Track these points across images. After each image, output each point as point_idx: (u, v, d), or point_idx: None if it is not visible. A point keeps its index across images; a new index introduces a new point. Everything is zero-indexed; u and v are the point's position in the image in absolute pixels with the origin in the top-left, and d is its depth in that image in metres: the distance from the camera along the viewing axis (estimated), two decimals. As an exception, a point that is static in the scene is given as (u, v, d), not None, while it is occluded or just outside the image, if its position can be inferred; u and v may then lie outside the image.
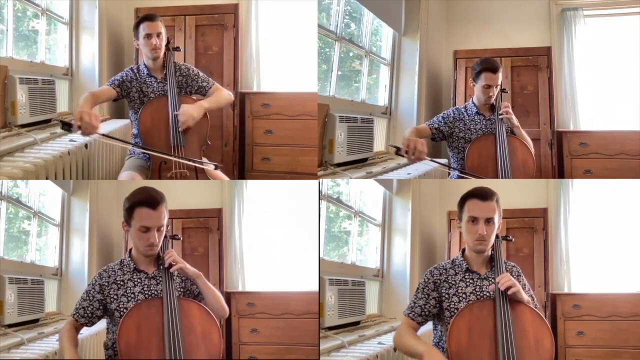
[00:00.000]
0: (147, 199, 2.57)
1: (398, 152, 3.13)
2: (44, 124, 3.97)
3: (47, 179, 3.49)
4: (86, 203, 4.50)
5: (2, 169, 3.30)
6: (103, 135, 3.14)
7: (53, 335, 4.00)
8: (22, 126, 3.77)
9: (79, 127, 2.94)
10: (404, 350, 2.62)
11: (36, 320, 4.14)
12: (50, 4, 4.23)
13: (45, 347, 3.77)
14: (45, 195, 4.47)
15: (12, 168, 3.30)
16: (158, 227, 2.59)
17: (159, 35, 3.32)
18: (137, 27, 3.34)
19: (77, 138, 3.85)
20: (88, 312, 2.62)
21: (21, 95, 3.76)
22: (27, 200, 4.32)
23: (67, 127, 2.95)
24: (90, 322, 2.64)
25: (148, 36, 3.30)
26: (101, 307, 2.63)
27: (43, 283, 4.30)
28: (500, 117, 3.39)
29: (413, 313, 2.66)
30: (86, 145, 3.82)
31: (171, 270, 2.61)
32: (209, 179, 3.37)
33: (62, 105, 4.24)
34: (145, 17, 3.34)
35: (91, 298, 2.62)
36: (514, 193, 4.55)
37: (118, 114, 4.46)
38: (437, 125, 3.41)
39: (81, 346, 3.95)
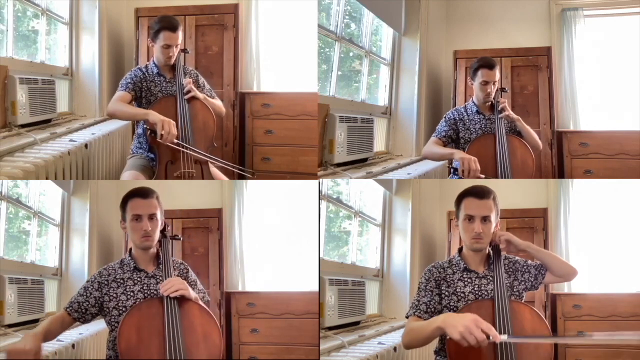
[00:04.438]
0: (137, 191, 2.70)
1: (455, 172, 3.27)
2: (44, 124, 3.97)
3: (47, 179, 3.49)
4: (86, 203, 4.50)
5: (2, 169, 3.30)
6: (178, 143, 3.19)
7: (53, 335, 3.99)
8: (22, 126, 3.77)
9: (161, 135, 3.10)
10: (421, 338, 2.45)
11: (36, 321, 4.14)
12: (50, 4, 4.23)
13: (45, 347, 3.75)
14: (45, 195, 4.47)
15: (12, 168, 3.30)
16: (150, 215, 2.65)
17: (177, 46, 3.32)
18: (157, 32, 3.29)
19: (77, 138, 3.87)
20: (82, 307, 2.63)
21: (21, 95, 3.76)
22: (27, 200, 4.32)
23: (154, 134, 3.12)
24: (83, 318, 2.65)
25: (166, 46, 3.29)
26: (97, 305, 2.63)
27: (43, 283, 4.30)
28: (500, 116, 3.40)
29: (419, 311, 2.59)
30: (86, 145, 3.83)
31: (173, 296, 2.52)
32: (213, 179, 3.38)
33: (62, 106, 4.24)
34: (168, 26, 3.28)
35: (88, 294, 2.64)
36: (514, 193, 4.54)
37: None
38: (444, 134, 3.43)
39: (81, 346, 3.95)
